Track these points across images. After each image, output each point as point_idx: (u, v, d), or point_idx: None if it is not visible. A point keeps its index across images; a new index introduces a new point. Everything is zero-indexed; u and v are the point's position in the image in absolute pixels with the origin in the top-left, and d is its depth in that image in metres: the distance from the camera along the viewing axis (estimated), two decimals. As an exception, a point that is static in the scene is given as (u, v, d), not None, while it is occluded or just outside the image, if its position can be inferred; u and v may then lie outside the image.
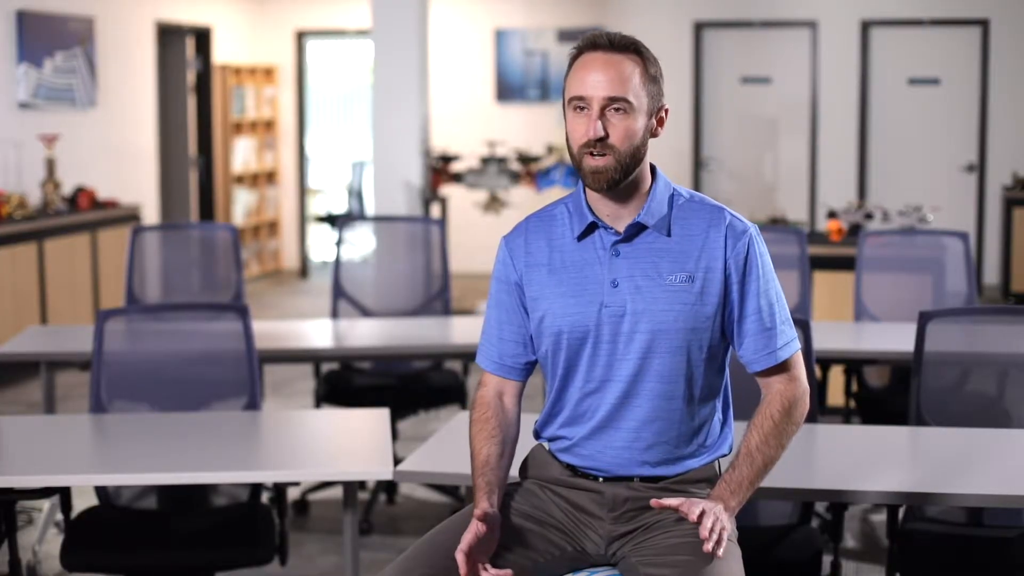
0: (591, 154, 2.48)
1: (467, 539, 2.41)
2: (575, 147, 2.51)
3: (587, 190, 2.57)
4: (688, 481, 2.57)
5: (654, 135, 2.55)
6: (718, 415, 2.61)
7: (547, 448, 2.65)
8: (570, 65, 2.53)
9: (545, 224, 2.62)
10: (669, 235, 2.54)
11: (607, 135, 2.47)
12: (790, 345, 2.57)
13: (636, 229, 2.54)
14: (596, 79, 2.47)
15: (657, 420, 2.53)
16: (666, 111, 2.56)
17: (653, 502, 2.48)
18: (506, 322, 2.65)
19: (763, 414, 2.55)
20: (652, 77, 2.51)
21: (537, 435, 2.67)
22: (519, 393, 2.68)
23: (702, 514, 2.41)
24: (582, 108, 2.49)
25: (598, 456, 2.56)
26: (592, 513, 2.57)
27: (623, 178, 2.50)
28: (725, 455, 2.63)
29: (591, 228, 2.56)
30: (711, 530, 2.39)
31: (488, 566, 2.42)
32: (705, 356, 2.54)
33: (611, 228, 2.55)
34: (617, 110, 2.47)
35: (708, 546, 2.38)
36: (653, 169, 2.59)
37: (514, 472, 2.65)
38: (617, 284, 2.52)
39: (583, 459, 2.58)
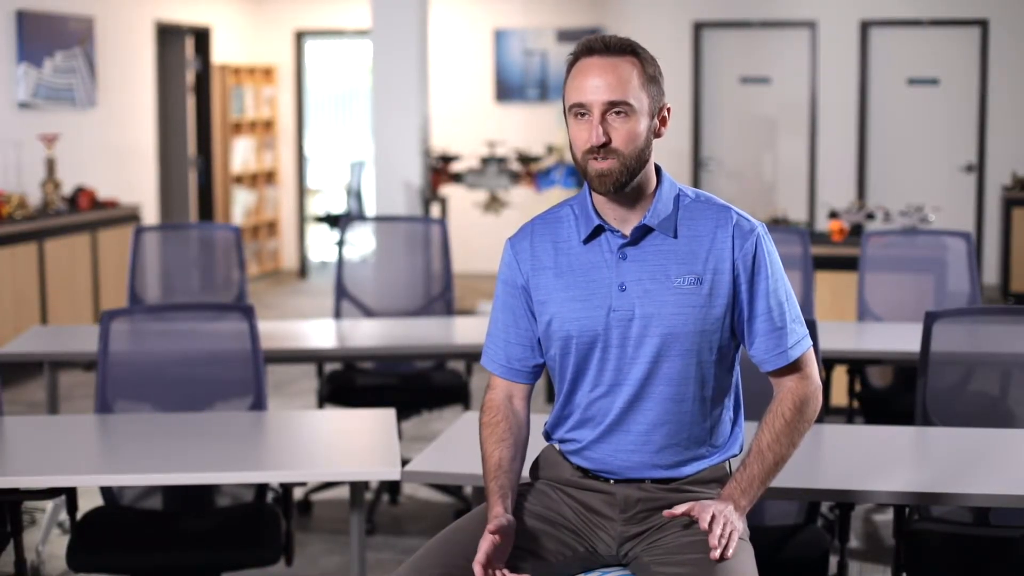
0: (595, 159, 2.47)
1: (484, 549, 2.39)
2: (579, 154, 2.50)
3: (593, 193, 2.56)
4: (699, 482, 2.57)
5: (657, 135, 2.54)
6: (729, 414, 2.61)
7: (558, 449, 2.65)
8: (568, 71, 2.52)
9: (551, 226, 2.61)
10: (676, 236, 2.53)
11: (609, 140, 2.46)
12: (801, 343, 2.57)
13: (642, 232, 2.53)
14: (595, 84, 2.46)
15: (667, 423, 2.53)
16: (668, 110, 2.55)
17: (665, 513, 2.47)
18: (512, 325, 2.64)
19: (774, 412, 2.55)
20: (651, 77, 2.50)
21: (547, 436, 2.67)
22: (528, 395, 2.68)
23: (712, 520, 2.41)
24: (583, 114, 2.48)
25: (609, 459, 2.56)
26: (603, 514, 2.57)
27: (629, 180, 2.49)
28: (736, 455, 2.63)
29: (598, 231, 2.55)
30: (720, 536, 2.39)
31: (506, 571, 2.41)
32: (715, 357, 2.53)
33: (618, 231, 2.54)
34: (618, 113, 2.46)
35: (715, 553, 2.38)
36: (658, 170, 2.58)
37: (524, 473, 2.65)
38: (625, 288, 2.51)
39: (594, 462, 2.57)
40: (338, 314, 5.40)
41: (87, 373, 7.48)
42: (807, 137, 11.20)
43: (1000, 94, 10.79)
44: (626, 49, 2.49)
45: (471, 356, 4.81)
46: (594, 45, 2.49)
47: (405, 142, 8.71)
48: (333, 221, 10.84)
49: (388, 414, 3.65)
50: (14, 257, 7.59)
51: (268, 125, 12.11)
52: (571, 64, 2.52)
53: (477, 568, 2.38)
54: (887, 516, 4.85)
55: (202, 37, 11.09)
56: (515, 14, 11.62)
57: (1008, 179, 10.34)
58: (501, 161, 9.30)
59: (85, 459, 3.43)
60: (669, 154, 11.15)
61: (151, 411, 3.81)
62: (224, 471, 3.23)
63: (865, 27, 10.99)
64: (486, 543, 2.40)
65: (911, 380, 4.50)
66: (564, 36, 11.41)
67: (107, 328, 3.78)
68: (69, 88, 8.96)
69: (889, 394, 5.09)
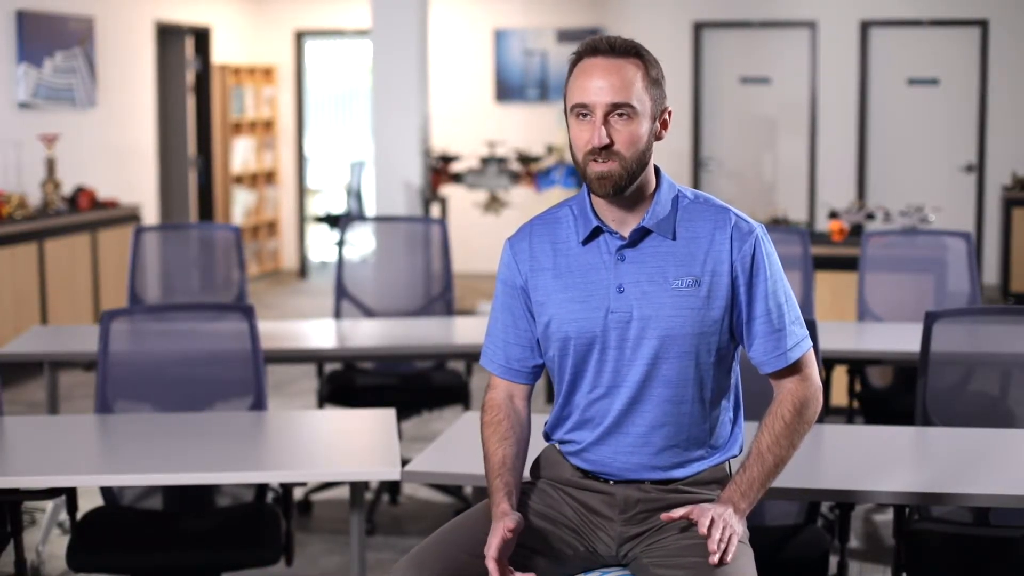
0: (596, 160, 2.46)
1: (495, 544, 2.40)
2: (579, 154, 2.49)
3: (592, 194, 2.55)
4: (699, 483, 2.57)
5: (658, 138, 2.53)
6: (728, 415, 2.61)
7: (558, 449, 2.64)
8: (570, 71, 2.51)
9: (550, 227, 2.61)
10: (674, 238, 2.52)
11: (612, 142, 2.45)
12: (800, 345, 2.56)
13: (641, 234, 2.52)
14: (598, 85, 2.45)
15: (666, 425, 2.52)
16: (669, 113, 2.54)
17: (663, 517, 2.47)
18: (511, 326, 2.64)
19: (774, 414, 2.55)
20: (654, 80, 2.49)
21: (547, 437, 2.67)
22: (528, 395, 2.67)
23: (711, 524, 2.41)
24: (585, 115, 2.47)
25: (608, 461, 2.55)
26: (603, 515, 2.57)
27: (629, 183, 2.48)
28: (736, 456, 2.63)
29: (596, 232, 2.55)
30: (719, 541, 2.39)
31: (512, 569, 2.42)
32: (714, 359, 2.53)
33: (616, 233, 2.53)
34: (621, 116, 2.45)
35: (714, 558, 2.38)
36: (657, 171, 2.57)
37: (525, 473, 2.64)
38: (623, 289, 2.51)
39: (593, 464, 2.57)
40: (338, 314, 5.40)
41: (87, 373, 7.48)
42: (807, 137, 11.20)
43: (1000, 94, 10.79)
44: (630, 51, 2.48)
45: (471, 356, 4.81)
46: (598, 45, 2.48)
47: (405, 142, 8.71)
48: (333, 221, 10.83)
49: (388, 414, 3.65)
50: (14, 257, 7.59)
51: (268, 125, 12.11)
52: (574, 63, 2.51)
53: (491, 563, 2.38)
54: (887, 516, 4.85)
55: (202, 37, 11.09)
56: (515, 14, 11.62)
57: (1008, 179, 10.34)
58: (501, 161, 9.30)
59: (85, 459, 3.43)
60: (669, 155, 11.15)
61: (151, 411, 3.81)
62: (224, 471, 3.23)
63: (865, 27, 10.99)
64: (497, 538, 2.40)
65: (911, 380, 4.50)
66: (564, 36, 11.41)
67: (107, 328, 3.78)
68: (69, 88, 8.96)
69: (889, 394, 5.09)
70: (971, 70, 10.85)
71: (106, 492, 3.69)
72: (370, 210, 10.42)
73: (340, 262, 5.45)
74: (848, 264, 6.03)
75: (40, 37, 8.60)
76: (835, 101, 11.05)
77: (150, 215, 10.01)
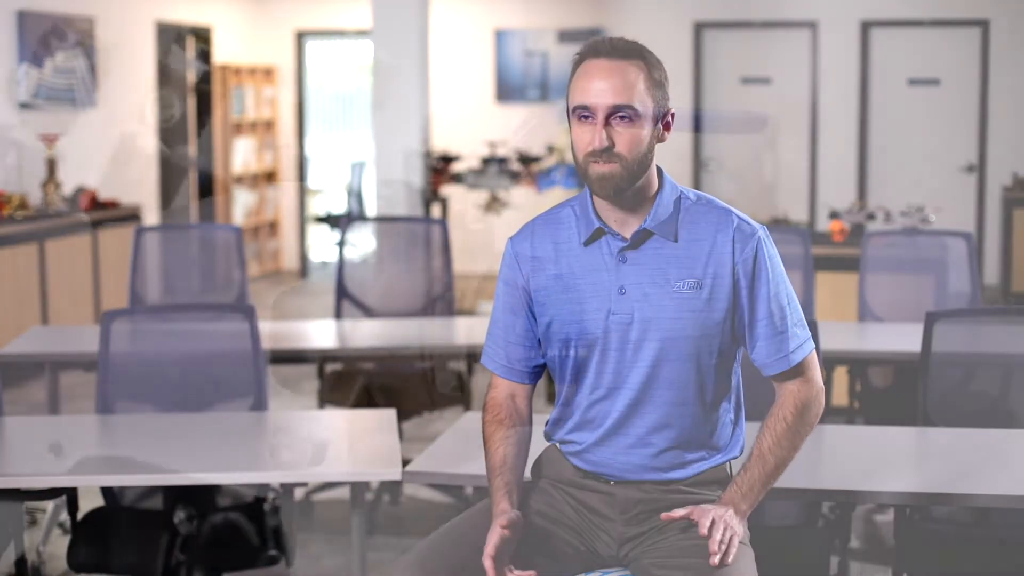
0: (596, 161, 2.45)
1: (493, 542, 2.39)
2: (580, 156, 2.47)
3: (594, 195, 2.55)
4: (700, 483, 2.57)
5: (661, 140, 2.51)
6: (729, 416, 2.60)
7: (559, 449, 2.64)
8: (573, 72, 2.50)
9: (551, 227, 2.60)
10: (676, 240, 2.51)
11: (613, 144, 2.44)
12: (803, 347, 2.56)
13: (643, 235, 2.52)
14: (600, 87, 2.43)
15: (668, 426, 2.52)
16: (672, 115, 2.53)
17: (664, 516, 2.47)
18: (512, 326, 2.63)
19: (776, 416, 2.55)
20: (657, 82, 2.48)
21: (548, 437, 2.67)
22: (530, 395, 2.68)
23: (712, 525, 2.41)
24: (586, 117, 2.45)
25: (608, 462, 2.55)
26: (603, 515, 2.57)
27: (630, 185, 2.47)
28: (736, 457, 2.62)
29: (598, 233, 2.54)
30: (719, 542, 2.39)
31: (512, 568, 2.41)
32: (715, 361, 2.52)
33: (618, 234, 2.52)
34: (622, 118, 2.44)
35: (715, 559, 2.37)
36: (660, 173, 2.56)
37: (526, 472, 2.64)
38: (624, 291, 2.50)
39: (593, 465, 2.57)
40: (339, 314, 5.40)
41: (87, 374, 7.47)
42: (807, 138, 11.19)
43: (1001, 94, 10.78)
44: (633, 52, 2.47)
45: (471, 356, 4.81)
46: (601, 47, 2.47)
47: (405, 142, 8.71)
48: (333, 221, 10.83)
49: (389, 414, 3.65)
50: (14, 257, 7.59)
51: (268, 125, 12.11)
52: (576, 64, 2.50)
53: (487, 561, 2.38)
54: (887, 516, 4.85)
55: (203, 37, 11.08)
56: (516, 14, 11.62)
57: (1009, 179, 10.33)
58: (502, 161, 9.30)
59: (85, 459, 3.42)
60: (669, 154, 11.14)
61: (152, 411, 3.81)
62: (225, 471, 3.23)
63: (865, 27, 10.99)
64: (495, 536, 2.40)
65: (911, 380, 4.50)
66: (565, 37, 11.41)
67: (108, 328, 3.78)
68: (69, 88, 8.96)
69: (889, 394, 5.09)
70: (971, 70, 10.85)
71: (106, 492, 3.69)
72: (370, 210, 10.42)
73: (340, 262, 5.45)
74: (849, 264, 6.03)
75: (40, 37, 8.60)
76: (835, 101, 11.05)
77: (151, 215, 10.01)
